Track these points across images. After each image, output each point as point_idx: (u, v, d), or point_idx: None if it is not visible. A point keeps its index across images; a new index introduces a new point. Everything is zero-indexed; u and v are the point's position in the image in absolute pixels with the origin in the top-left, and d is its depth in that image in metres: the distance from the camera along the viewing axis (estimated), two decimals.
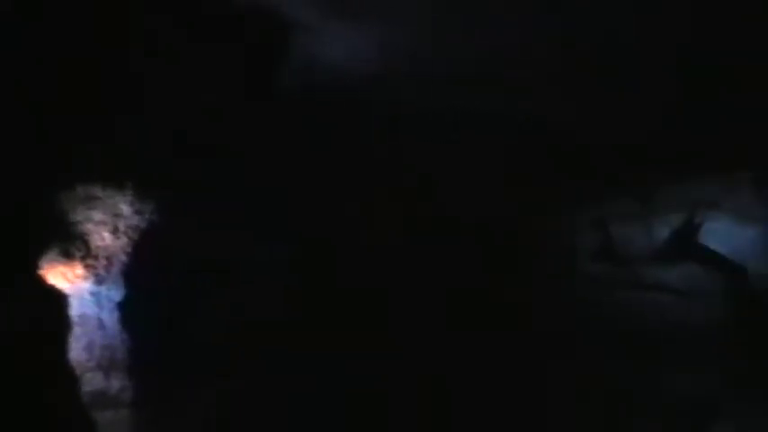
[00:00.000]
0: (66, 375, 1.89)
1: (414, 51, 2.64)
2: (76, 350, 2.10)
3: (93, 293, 2.16)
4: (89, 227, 2.16)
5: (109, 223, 2.18)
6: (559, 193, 3.24)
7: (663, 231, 3.31)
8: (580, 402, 3.10)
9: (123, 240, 2.18)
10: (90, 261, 2.15)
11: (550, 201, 3.27)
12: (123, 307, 2.18)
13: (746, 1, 2.76)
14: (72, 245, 2.11)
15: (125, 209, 2.19)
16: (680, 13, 2.79)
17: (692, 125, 3.25)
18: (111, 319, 2.18)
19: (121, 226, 2.19)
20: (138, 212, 2.20)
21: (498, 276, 3.23)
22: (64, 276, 2.08)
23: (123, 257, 2.18)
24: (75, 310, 2.09)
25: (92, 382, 2.19)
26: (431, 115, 2.93)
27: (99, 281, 2.16)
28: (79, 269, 2.11)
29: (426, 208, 3.13)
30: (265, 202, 2.57)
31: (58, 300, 1.93)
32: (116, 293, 2.18)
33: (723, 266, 3.22)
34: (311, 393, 2.65)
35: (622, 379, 3.13)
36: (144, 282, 2.19)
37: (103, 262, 2.18)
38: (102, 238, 2.17)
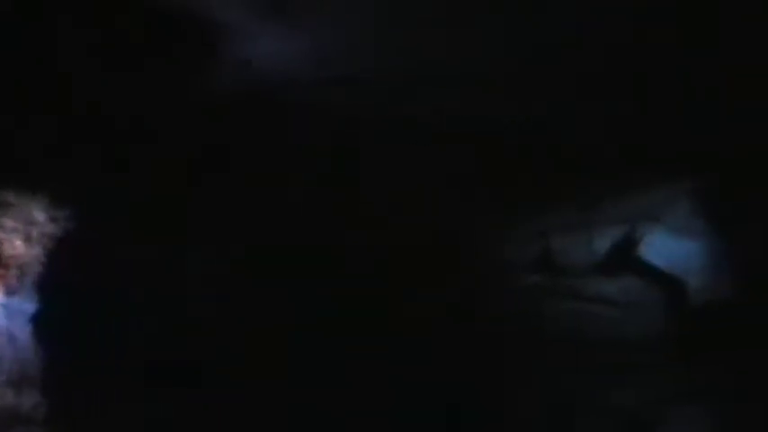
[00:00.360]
0: None
1: (352, 54, 2.59)
2: None
3: (3, 305, 2.06)
4: (0, 235, 2.06)
5: (21, 231, 2.08)
6: (501, 204, 3.22)
7: (603, 244, 3.30)
8: (519, 412, 3.04)
9: (37, 249, 2.09)
10: (0, 271, 2.05)
11: (491, 211, 3.24)
12: (36, 319, 2.08)
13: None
14: None
15: (39, 216, 2.09)
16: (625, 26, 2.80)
17: (632, 139, 3.25)
18: (22, 332, 2.08)
19: (35, 234, 2.09)
20: (52, 220, 2.10)
21: (439, 286, 3.19)
22: None
23: (37, 267, 2.08)
24: None
25: (2, 398, 2.07)
26: (369, 119, 2.88)
27: (10, 292, 2.05)
28: None
29: (362, 214, 3.08)
30: (191, 207, 2.49)
31: None
32: (29, 305, 2.08)
33: (661, 279, 3.22)
34: (236, 406, 2.57)
35: (561, 390, 3.09)
36: (59, 292, 2.10)
37: (15, 272, 2.08)
38: (14, 246, 2.07)
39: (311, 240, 2.97)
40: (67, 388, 2.15)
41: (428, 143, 2.93)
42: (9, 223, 2.02)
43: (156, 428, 2.20)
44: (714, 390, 2.95)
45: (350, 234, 3.04)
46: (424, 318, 3.25)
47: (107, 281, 2.08)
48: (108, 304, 2.09)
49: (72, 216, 2.04)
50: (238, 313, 2.63)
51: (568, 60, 2.66)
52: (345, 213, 3.15)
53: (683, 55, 2.98)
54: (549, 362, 3.17)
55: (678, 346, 3.15)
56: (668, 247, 3.20)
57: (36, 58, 2.05)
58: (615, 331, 3.24)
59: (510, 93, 2.78)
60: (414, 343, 3.15)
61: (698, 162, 3.26)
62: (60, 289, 2.01)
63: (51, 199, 2.05)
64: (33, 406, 2.12)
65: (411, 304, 3.24)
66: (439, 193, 3.12)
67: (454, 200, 3.16)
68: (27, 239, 2.04)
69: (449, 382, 3.11)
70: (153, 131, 2.27)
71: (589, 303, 3.26)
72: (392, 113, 2.85)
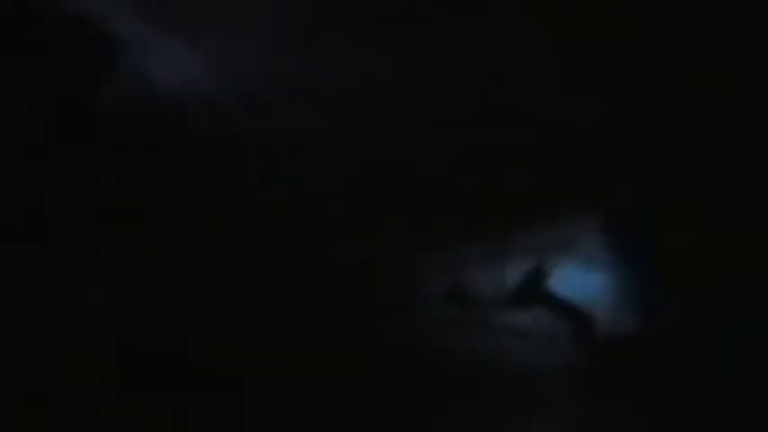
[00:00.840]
0: None
1: (250, 74, 2.59)
2: None
3: None
4: None
5: None
6: (410, 235, 3.22)
7: (513, 276, 3.30)
8: None
9: None
10: None
11: (401, 242, 3.23)
12: None
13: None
14: None
15: None
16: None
17: (542, 172, 3.30)
18: None
19: None
20: None
21: (348, 318, 3.14)
22: None
23: None
24: None
25: None
26: (267, 144, 2.86)
27: None
28: None
29: (262, 244, 3.05)
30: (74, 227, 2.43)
31: None
32: None
33: (571, 312, 3.22)
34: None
35: (470, 422, 3.04)
36: None
37: None
38: None
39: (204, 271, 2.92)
40: None
41: (333, 169, 2.93)
42: None
43: None
44: (622, 423, 2.94)
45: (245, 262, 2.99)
46: (337, 352, 3.19)
47: None
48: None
49: None
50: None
51: (469, 88, 2.72)
52: (249, 244, 3.10)
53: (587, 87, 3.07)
54: (460, 394, 3.12)
55: (587, 379, 3.13)
56: (576, 280, 3.22)
57: None
58: (526, 363, 3.22)
59: (413, 119, 2.81)
60: (324, 373, 3.08)
61: (606, 196, 3.30)
62: None
63: None
64: None
65: (323, 337, 3.18)
66: (344, 222, 3.11)
67: (360, 230, 3.15)
68: None
69: (358, 411, 3.05)
70: (39, 149, 2.22)
71: (500, 335, 3.23)
72: (290, 137, 2.84)
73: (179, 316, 2.81)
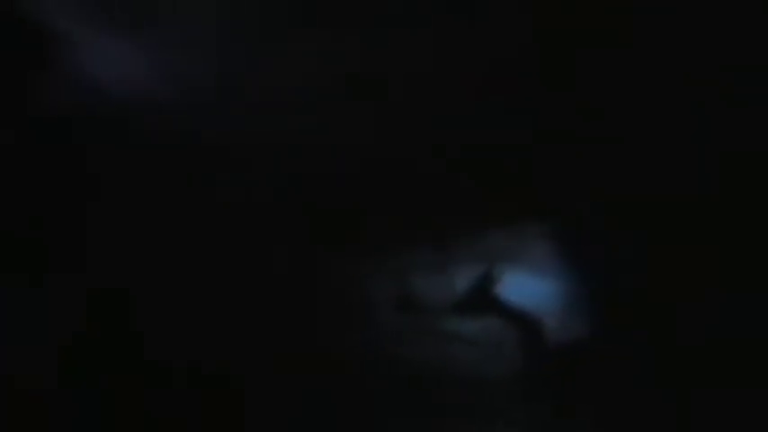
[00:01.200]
0: None
1: (195, 74, 2.56)
2: None
3: None
4: None
5: None
6: (357, 243, 3.19)
7: (462, 282, 3.29)
8: None
9: None
10: None
11: (348, 249, 3.21)
12: None
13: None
14: None
15: None
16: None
17: (492, 178, 3.30)
18: None
19: None
20: None
21: (296, 326, 3.09)
22: None
23: None
24: None
25: None
26: (208, 147, 2.82)
27: None
28: None
29: (205, 247, 3.00)
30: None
31: None
32: None
33: (519, 319, 3.21)
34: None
35: (418, 429, 3.00)
36: None
37: None
38: None
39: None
40: None
41: (277, 173, 2.88)
42: None
43: None
44: (570, 431, 2.93)
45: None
46: (283, 357, 3.14)
47: None
48: None
49: None
50: None
51: (420, 93, 2.71)
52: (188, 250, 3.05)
53: (540, 97, 3.09)
54: (408, 402, 3.09)
55: (533, 386, 3.12)
56: (525, 286, 3.22)
57: None
58: (474, 370, 3.19)
59: (363, 123, 2.79)
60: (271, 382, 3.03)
61: (554, 203, 3.31)
62: None
63: None
64: None
65: (273, 340, 3.13)
66: (291, 227, 3.07)
67: (306, 237, 3.12)
68: None
69: (307, 418, 3.00)
70: None
71: (449, 342, 3.21)
72: (234, 139, 2.80)
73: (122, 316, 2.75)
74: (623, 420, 2.94)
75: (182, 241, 2.96)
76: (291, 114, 2.79)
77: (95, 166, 2.75)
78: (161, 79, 2.57)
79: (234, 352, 3.09)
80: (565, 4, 2.85)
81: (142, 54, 2.51)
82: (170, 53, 2.49)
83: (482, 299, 3.26)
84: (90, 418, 2.60)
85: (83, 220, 2.68)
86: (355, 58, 2.56)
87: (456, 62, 2.74)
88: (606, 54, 3.15)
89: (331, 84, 2.64)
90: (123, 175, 2.78)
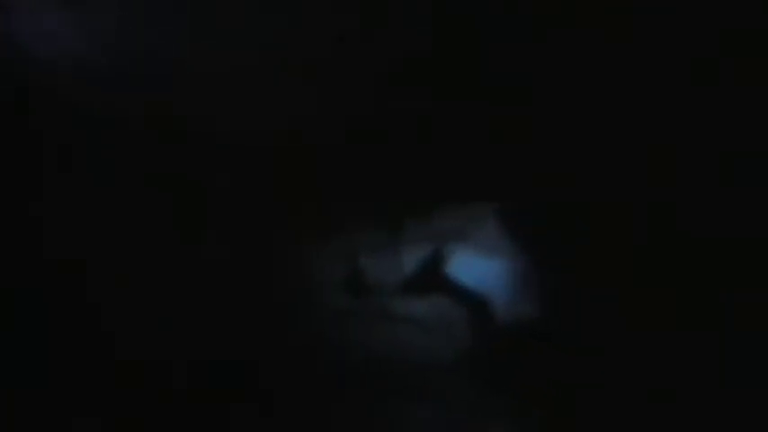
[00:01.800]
0: None
1: (129, 47, 2.46)
2: None
3: None
4: None
5: None
6: (303, 222, 3.14)
7: (411, 263, 3.25)
8: None
9: None
10: None
11: (295, 229, 3.15)
12: None
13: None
14: None
15: None
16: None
17: (437, 156, 3.28)
18: None
19: None
20: None
21: (241, 309, 3.03)
22: None
23: None
24: None
25: None
26: (147, 120, 2.72)
27: None
28: None
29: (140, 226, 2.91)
30: None
31: None
32: None
33: (468, 299, 3.19)
34: None
35: (368, 412, 2.97)
36: None
37: None
38: None
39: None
40: None
41: (214, 151, 2.80)
42: None
43: None
44: (519, 411, 2.92)
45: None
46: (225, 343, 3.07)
47: None
48: None
49: None
50: None
51: (364, 64, 2.65)
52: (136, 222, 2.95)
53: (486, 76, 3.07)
54: (357, 384, 3.05)
55: (483, 366, 3.11)
56: (474, 266, 3.20)
57: None
58: (423, 351, 3.16)
59: (304, 103, 2.73)
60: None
61: (502, 183, 3.30)
62: None
63: None
64: None
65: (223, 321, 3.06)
66: (232, 207, 3.00)
67: (253, 217, 3.05)
68: None
69: (254, 399, 2.94)
70: None
71: (397, 323, 3.18)
72: (171, 114, 2.71)
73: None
74: (570, 400, 2.94)
75: (119, 218, 2.87)
76: (228, 87, 2.71)
77: (31, 137, 2.65)
78: (95, 50, 2.47)
79: (184, 332, 3.02)
80: None
81: (77, 24, 2.41)
82: (104, 24, 2.40)
83: (431, 279, 3.23)
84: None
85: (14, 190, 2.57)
86: (295, 31, 2.50)
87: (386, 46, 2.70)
88: (542, 40, 3.14)
89: (272, 62, 2.57)
90: (59, 145, 2.68)
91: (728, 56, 2.94)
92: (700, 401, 2.82)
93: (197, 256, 3.05)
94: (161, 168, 2.79)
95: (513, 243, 3.30)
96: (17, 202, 2.49)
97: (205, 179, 2.92)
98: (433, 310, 3.22)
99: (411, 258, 3.26)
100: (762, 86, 2.93)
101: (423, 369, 3.13)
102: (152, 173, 2.79)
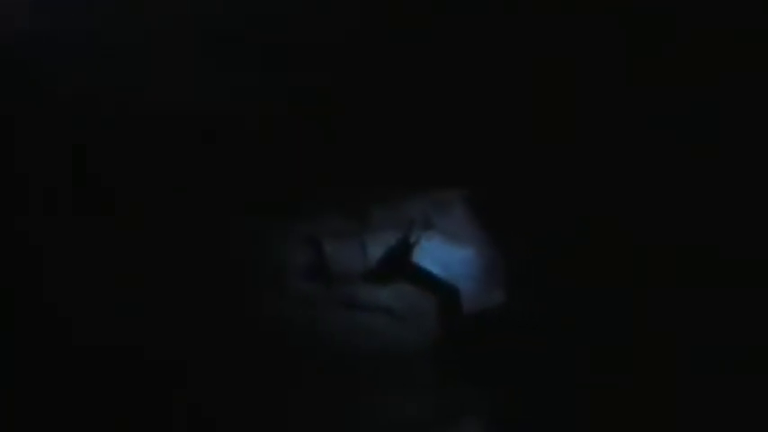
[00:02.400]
0: None
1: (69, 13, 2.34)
2: None
3: None
4: None
5: None
6: (264, 207, 3.05)
7: (377, 250, 3.18)
8: (289, 424, 2.78)
9: None
10: None
11: (257, 213, 3.06)
12: None
13: None
14: None
15: None
16: None
17: (403, 143, 3.23)
18: None
19: None
20: None
21: (203, 292, 2.93)
22: None
23: None
24: None
25: None
26: (91, 95, 2.59)
27: None
28: None
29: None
30: None
31: None
32: None
33: (436, 287, 3.13)
34: None
35: (332, 402, 2.87)
36: None
37: None
38: None
39: None
40: None
41: (160, 130, 2.67)
42: None
43: None
44: (486, 402, 2.84)
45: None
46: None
47: None
48: None
49: None
50: None
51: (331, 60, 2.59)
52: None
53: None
54: (320, 373, 2.95)
55: (450, 355, 3.04)
56: (441, 254, 3.14)
57: None
58: (389, 340, 3.09)
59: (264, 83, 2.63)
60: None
61: (469, 170, 3.26)
62: None
63: None
64: None
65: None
66: (198, 190, 2.89)
67: (215, 200, 2.95)
68: None
69: (216, 387, 2.82)
70: None
71: (362, 312, 3.09)
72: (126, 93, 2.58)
73: None
74: (538, 387, 2.87)
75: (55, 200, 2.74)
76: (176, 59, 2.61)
77: None
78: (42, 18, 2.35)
79: (143, 315, 2.91)
80: None
81: None
82: None
83: (398, 266, 3.16)
84: None
85: None
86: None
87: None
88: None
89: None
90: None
91: None
92: (666, 387, 2.78)
93: (161, 237, 2.95)
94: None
95: (482, 230, 3.25)
96: None
97: (167, 157, 2.83)
98: (399, 298, 3.15)
99: (377, 245, 3.19)
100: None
101: (389, 358, 3.05)
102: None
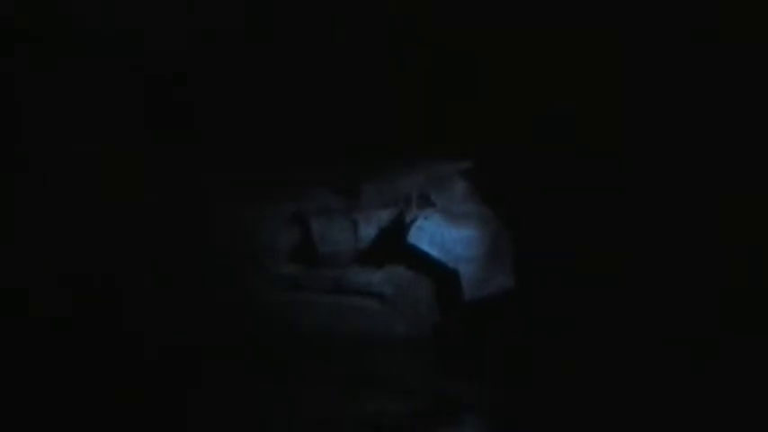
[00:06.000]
0: None
1: None
2: None
3: None
4: None
5: None
6: (248, 184, 2.81)
7: (368, 229, 2.94)
8: (273, 413, 2.54)
9: None
10: None
11: (237, 193, 2.82)
12: None
13: None
14: None
15: None
16: None
17: (401, 117, 3.00)
18: None
19: None
20: None
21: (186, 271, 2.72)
22: None
23: None
24: None
25: None
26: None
27: None
28: None
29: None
30: None
31: None
32: None
33: (432, 269, 2.88)
34: None
35: (322, 388, 2.63)
36: None
37: None
38: None
39: None
40: None
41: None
42: None
43: None
44: (481, 402, 2.58)
45: None
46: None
47: None
48: None
49: None
50: None
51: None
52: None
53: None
54: (309, 358, 2.72)
55: (447, 340, 2.79)
56: (439, 234, 2.89)
57: None
58: (380, 326, 2.85)
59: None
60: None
61: (471, 141, 3.04)
62: None
63: None
64: None
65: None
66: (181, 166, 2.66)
67: (198, 177, 2.72)
68: None
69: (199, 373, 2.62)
70: None
71: (352, 295, 2.86)
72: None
73: None
74: (539, 387, 2.60)
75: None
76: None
77: None
78: None
79: (125, 292, 2.72)
80: None
81: None
82: None
83: (391, 246, 2.91)
84: None
85: None
86: None
87: None
88: None
89: None
90: None
91: None
92: (653, 378, 2.54)
93: (145, 214, 2.74)
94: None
95: (484, 208, 3.00)
96: None
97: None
98: (392, 281, 2.91)
99: (369, 224, 2.95)
100: None
101: (376, 349, 2.83)
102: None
